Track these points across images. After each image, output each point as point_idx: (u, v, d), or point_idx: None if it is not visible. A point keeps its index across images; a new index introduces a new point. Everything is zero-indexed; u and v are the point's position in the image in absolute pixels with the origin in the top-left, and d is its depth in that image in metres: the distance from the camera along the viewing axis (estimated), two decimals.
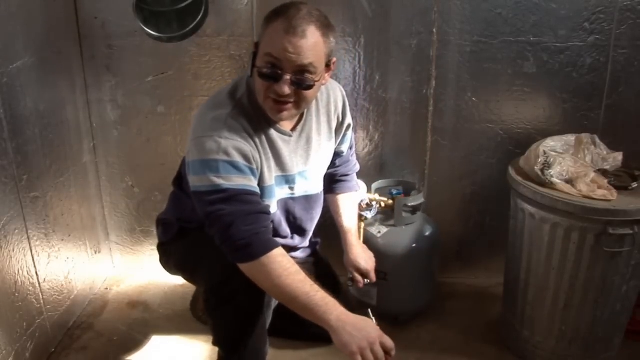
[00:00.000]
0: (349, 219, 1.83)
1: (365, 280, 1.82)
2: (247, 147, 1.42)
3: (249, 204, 1.40)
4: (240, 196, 1.39)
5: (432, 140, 2.10)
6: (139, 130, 2.14)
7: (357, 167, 1.89)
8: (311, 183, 1.67)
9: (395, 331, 1.90)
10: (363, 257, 1.80)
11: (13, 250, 1.64)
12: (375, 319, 1.42)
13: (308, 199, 1.68)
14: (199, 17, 1.89)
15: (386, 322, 1.79)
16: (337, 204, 1.84)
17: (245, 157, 1.41)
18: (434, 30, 1.95)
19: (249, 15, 1.95)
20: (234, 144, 1.39)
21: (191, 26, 1.90)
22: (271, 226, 1.47)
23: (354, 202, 1.88)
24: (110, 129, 2.14)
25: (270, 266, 1.37)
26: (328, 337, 1.81)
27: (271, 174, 1.52)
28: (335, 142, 1.72)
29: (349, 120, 1.73)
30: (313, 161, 1.63)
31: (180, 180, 1.69)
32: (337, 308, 1.35)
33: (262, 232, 1.40)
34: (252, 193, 1.42)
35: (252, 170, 1.43)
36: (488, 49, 1.97)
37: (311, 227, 1.76)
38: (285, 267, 1.38)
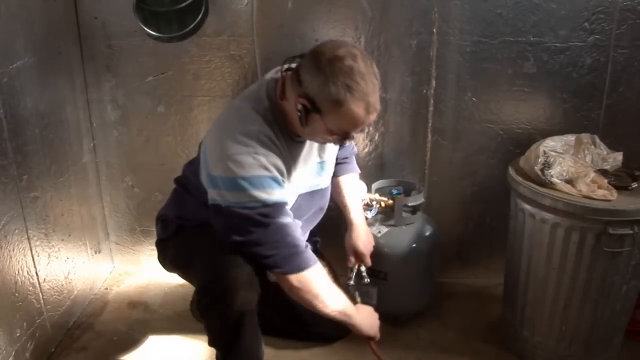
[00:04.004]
0: (351, 198, 1.85)
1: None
2: (280, 161, 1.47)
3: (289, 216, 1.49)
4: (283, 209, 1.47)
5: (432, 140, 2.10)
6: (139, 130, 2.14)
7: (355, 150, 1.94)
8: (325, 176, 1.71)
9: (395, 331, 1.92)
10: (362, 240, 1.82)
11: (13, 250, 1.64)
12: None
13: (314, 194, 1.71)
14: (199, 17, 1.89)
15: (386, 322, 1.79)
16: (339, 184, 1.85)
17: (281, 172, 1.47)
18: (434, 30, 1.95)
19: (249, 15, 1.95)
20: (271, 160, 1.44)
21: (191, 26, 1.90)
22: None
23: (355, 182, 1.90)
24: (110, 129, 2.14)
25: (319, 271, 1.54)
26: (328, 337, 1.84)
27: (291, 179, 1.56)
28: None
29: None
30: (325, 153, 1.68)
31: (185, 180, 1.69)
32: (354, 310, 1.62)
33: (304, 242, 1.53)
34: (287, 203, 1.50)
35: (284, 182, 1.50)
36: (488, 49, 1.97)
37: (314, 222, 1.78)
38: (325, 275, 1.57)
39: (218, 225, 1.48)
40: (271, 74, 1.56)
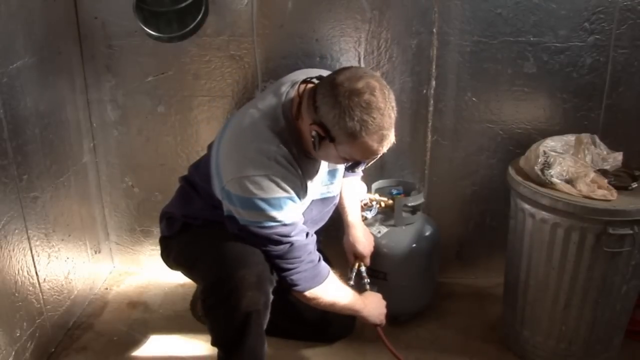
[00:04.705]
0: (349, 200, 1.86)
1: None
2: (296, 181, 1.48)
3: (305, 230, 1.54)
4: (301, 225, 1.52)
5: (432, 140, 2.10)
6: (139, 130, 2.14)
7: None
8: (336, 183, 1.72)
9: (395, 331, 1.92)
10: (361, 242, 1.83)
11: (13, 250, 1.64)
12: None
13: (326, 200, 1.72)
14: (199, 17, 1.89)
15: (386, 321, 1.79)
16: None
17: (298, 192, 1.49)
18: (434, 30, 1.95)
19: (249, 15, 1.95)
20: (288, 182, 1.45)
21: (191, 26, 1.90)
22: None
23: (356, 184, 1.90)
24: (110, 129, 2.14)
25: (332, 279, 1.61)
26: (329, 337, 1.84)
27: (307, 194, 1.57)
28: None
29: None
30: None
31: (193, 181, 1.70)
32: (362, 302, 1.70)
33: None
34: (302, 219, 1.55)
35: (300, 200, 1.52)
36: (488, 49, 1.97)
37: (321, 223, 1.79)
38: (335, 280, 1.64)
39: (233, 233, 1.50)
40: (287, 87, 1.53)
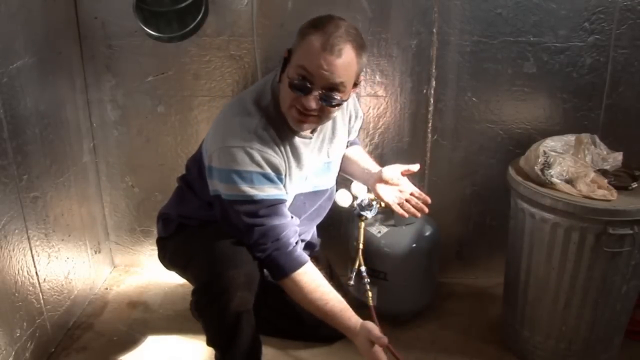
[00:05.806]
0: (359, 154, 1.85)
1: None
2: (277, 158, 1.46)
3: (283, 216, 1.48)
4: (274, 207, 1.46)
5: (432, 140, 2.10)
6: (139, 130, 2.14)
7: (358, 142, 1.95)
8: (330, 176, 1.71)
9: (395, 331, 1.92)
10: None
11: (13, 250, 1.64)
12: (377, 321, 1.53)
13: (318, 193, 1.71)
14: (199, 17, 1.89)
15: (386, 322, 1.79)
16: (346, 155, 1.84)
17: (275, 169, 1.46)
18: (434, 30, 1.95)
19: (249, 15, 1.95)
20: (266, 157, 1.43)
21: (191, 26, 1.90)
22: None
23: (361, 149, 1.91)
24: (110, 129, 2.14)
25: (309, 274, 1.49)
26: (328, 338, 1.83)
27: (291, 178, 1.55)
28: (348, 134, 1.80)
29: (360, 113, 1.82)
30: (332, 154, 1.69)
31: (190, 179, 1.70)
32: (351, 328, 1.47)
33: (298, 243, 1.51)
34: (283, 201, 1.49)
35: (280, 179, 1.48)
36: (488, 49, 1.97)
37: (317, 220, 1.78)
38: (316, 278, 1.50)
39: (219, 215, 1.50)
40: (279, 68, 1.53)
